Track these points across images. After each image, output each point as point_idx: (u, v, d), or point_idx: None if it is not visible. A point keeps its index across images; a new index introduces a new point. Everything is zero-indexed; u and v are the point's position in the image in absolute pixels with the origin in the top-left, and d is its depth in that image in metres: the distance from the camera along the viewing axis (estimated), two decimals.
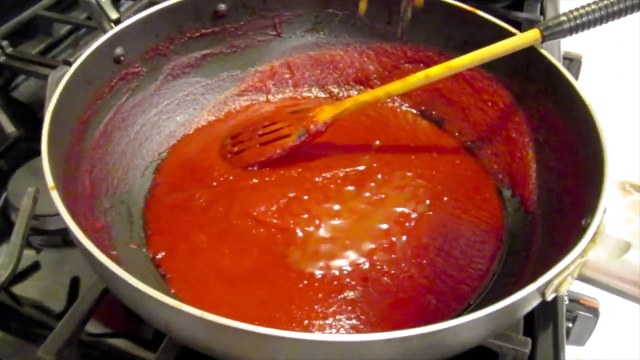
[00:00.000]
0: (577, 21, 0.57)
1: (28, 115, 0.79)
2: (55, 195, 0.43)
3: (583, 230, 0.42)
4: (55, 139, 0.48)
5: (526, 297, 0.38)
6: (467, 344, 0.41)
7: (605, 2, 0.56)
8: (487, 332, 0.41)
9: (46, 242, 0.64)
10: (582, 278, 0.41)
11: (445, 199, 0.61)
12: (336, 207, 0.60)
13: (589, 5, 0.57)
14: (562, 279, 0.39)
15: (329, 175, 0.63)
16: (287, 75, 0.73)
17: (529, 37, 0.59)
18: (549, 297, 0.40)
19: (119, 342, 0.56)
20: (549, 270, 0.38)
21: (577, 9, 0.58)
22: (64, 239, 0.63)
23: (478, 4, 0.66)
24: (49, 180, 0.44)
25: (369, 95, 0.64)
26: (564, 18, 0.58)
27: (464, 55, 0.60)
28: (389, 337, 0.34)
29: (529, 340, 0.51)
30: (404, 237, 0.57)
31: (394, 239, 0.57)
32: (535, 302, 0.42)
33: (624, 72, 1.16)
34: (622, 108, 1.09)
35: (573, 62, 0.96)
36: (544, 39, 0.59)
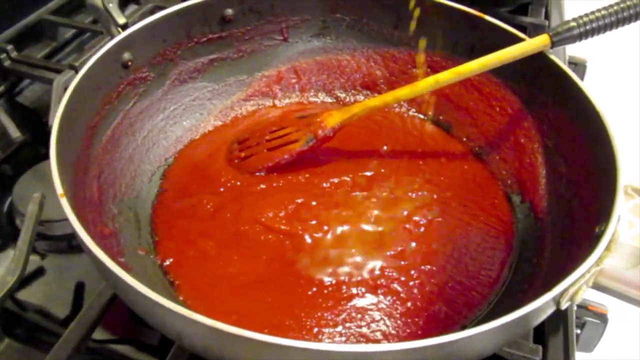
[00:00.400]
0: (587, 27, 0.57)
1: (33, 120, 0.78)
2: (64, 203, 0.43)
3: (597, 237, 0.42)
4: (64, 145, 0.48)
5: (541, 306, 0.37)
6: (482, 354, 0.40)
7: (615, 7, 0.56)
8: (502, 341, 0.41)
9: (51, 247, 0.63)
10: (598, 287, 0.41)
11: (454, 205, 0.61)
12: (344, 213, 0.59)
13: (598, 10, 0.57)
14: (577, 287, 0.39)
15: (336, 181, 0.63)
16: (294, 80, 0.73)
17: (538, 42, 0.59)
18: (564, 306, 0.40)
19: (125, 349, 0.55)
20: (564, 279, 0.38)
21: (586, 15, 0.57)
22: (69, 244, 0.63)
23: (483, 9, 0.66)
24: (58, 188, 0.43)
25: (377, 100, 0.64)
26: (573, 24, 0.58)
27: (473, 60, 0.60)
28: (405, 347, 0.33)
29: (540, 347, 0.51)
30: (413, 244, 0.57)
31: (403, 245, 0.57)
32: (549, 311, 0.41)
33: (626, 77, 1.16)
34: (624, 112, 1.09)
35: (578, 66, 0.96)
36: (553, 44, 0.59)
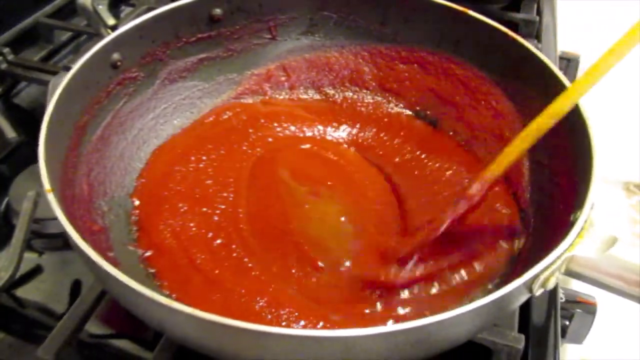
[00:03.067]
0: None
1: (29, 121, 0.80)
2: (51, 198, 0.44)
3: (571, 225, 0.42)
4: (53, 144, 0.49)
5: (512, 292, 0.38)
6: (455, 340, 0.41)
7: None
8: (475, 327, 0.42)
9: (48, 245, 0.65)
10: (570, 273, 0.42)
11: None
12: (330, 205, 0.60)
13: None
14: (549, 273, 0.40)
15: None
16: (283, 78, 0.74)
17: None
18: (537, 292, 0.41)
19: (121, 343, 0.56)
20: (535, 265, 0.39)
21: None
22: (66, 242, 0.64)
23: (474, 5, 0.67)
24: (46, 184, 0.45)
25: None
26: None
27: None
28: (373, 332, 0.34)
29: (522, 337, 0.51)
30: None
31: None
32: (523, 297, 0.42)
33: (623, 72, 1.16)
34: (624, 108, 1.09)
35: (571, 62, 0.96)
36: None
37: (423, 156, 0.67)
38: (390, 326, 0.34)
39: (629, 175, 1.00)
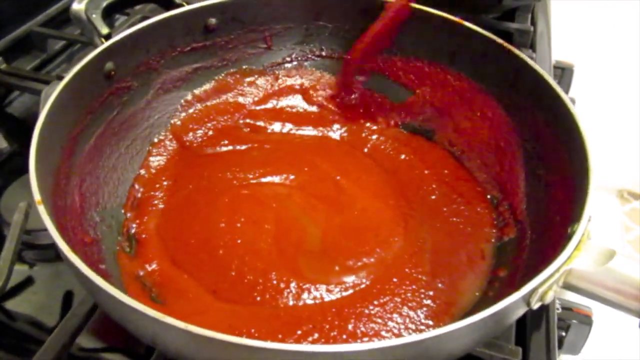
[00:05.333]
0: None
1: (22, 131, 0.79)
2: (42, 210, 0.43)
3: (568, 238, 0.42)
4: (45, 154, 0.49)
5: (510, 305, 0.38)
6: (452, 354, 0.41)
7: None
8: (473, 341, 0.41)
9: (39, 256, 0.64)
10: (568, 286, 0.41)
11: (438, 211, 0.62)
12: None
13: None
14: (546, 287, 0.39)
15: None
16: (277, 86, 0.74)
17: None
18: (535, 305, 0.40)
19: (113, 357, 0.56)
20: (533, 279, 0.38)
21: None
22: (57, 254, 0.63)
23: (469, 15, 0.67)
24: (36, 195, 0.44)
25: None
26: None
27: None
28: (371, 347, 0.34)
29: (520, 349, 0.51)
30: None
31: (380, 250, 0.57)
32: (521, 311, 0.42)
33: (618, 81, 1.16)
34: (619, 116, 1.10)
35: (565, 71, 0.96)
36: None
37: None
38: (388, 341, 0.34)
39: (623, 183, 1.00)
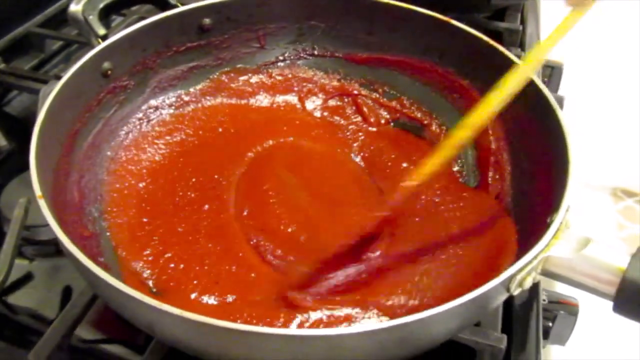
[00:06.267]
0: None
1: (20, 129, 0.80)
2: (43, 205, 0.45)
3: (547, 227, 0.44)
4: (44, 151, 0.50)
5: (490, 291, 0.39)
6: (437, 338, 0.42)
7: None
8: (456, 326, 0.43)
9: (39, 252, 0.65)
10: (546, 273, 0.43)
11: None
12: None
13: None
14: (525, 273, 0.41)
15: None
16: (270, 85, 0.75)
17: None
18: (515, 291, 0.42)
19: (113, 348, 0.57)
20: (512, 265, 0.40)
21: None
22: (57, 249, 0.65)
23: (458, 14, 0.68)
24: (37, 190, 0.45)
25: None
26: None
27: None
28: (358, 330, 0.35)
29: (505, 337, 0.52)
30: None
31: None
32: (501, 296, 0.43)
33: (609, 79, 1.18)
34: (610, 115, 1.11)
35: (555, 70, 0.98)
36: None
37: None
38: (374, 324, 0.36)
39: (616, 181, 1.01)
